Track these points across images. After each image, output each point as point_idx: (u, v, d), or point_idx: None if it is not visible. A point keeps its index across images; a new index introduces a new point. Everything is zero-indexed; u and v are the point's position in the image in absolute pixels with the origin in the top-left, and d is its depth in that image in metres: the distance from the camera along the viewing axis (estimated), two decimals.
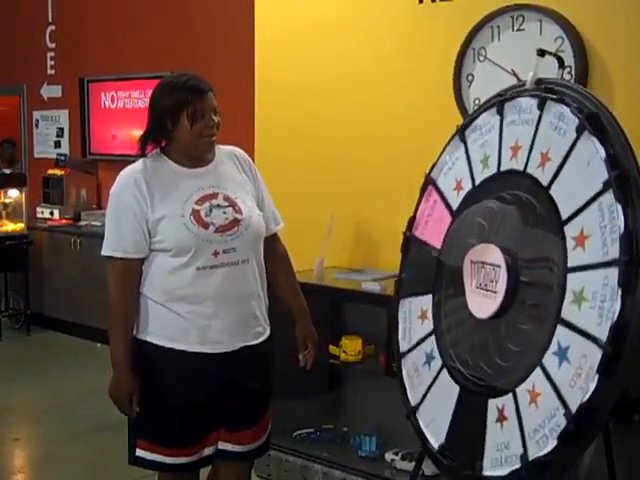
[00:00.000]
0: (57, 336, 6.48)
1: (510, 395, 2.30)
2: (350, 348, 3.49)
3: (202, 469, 2.60)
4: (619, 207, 2.08)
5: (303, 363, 2.71)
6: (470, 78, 3.44)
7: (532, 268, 2.32)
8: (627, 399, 2.39)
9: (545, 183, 2.31)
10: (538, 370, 2.22)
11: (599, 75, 3.06)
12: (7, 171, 6.79)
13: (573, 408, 2.08)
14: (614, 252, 2.07)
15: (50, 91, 7.17)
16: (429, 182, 2.80)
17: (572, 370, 2.12)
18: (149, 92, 2.52)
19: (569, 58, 3.04)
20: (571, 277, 2.17)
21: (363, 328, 3.57)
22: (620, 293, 2.03)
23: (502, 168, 2.50)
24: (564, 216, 2.23)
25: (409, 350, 2.77)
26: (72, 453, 4.16)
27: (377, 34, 3.76)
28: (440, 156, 2.79)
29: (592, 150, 2.19)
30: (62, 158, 6.86)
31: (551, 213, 2.27)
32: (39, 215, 6.86)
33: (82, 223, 6.56)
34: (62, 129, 7.11)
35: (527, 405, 2.24)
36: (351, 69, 3.85)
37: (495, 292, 2.38)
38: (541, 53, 2.56)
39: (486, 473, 2.33)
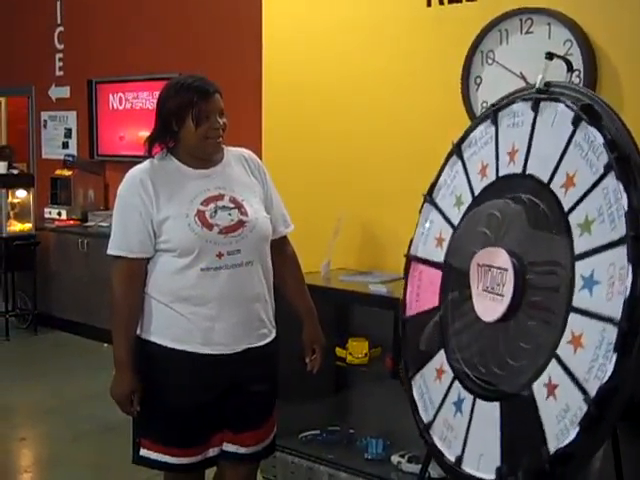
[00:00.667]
0: (64, 336, 6.49)
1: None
2: (356, 350, 3.49)
3: (207, 470, 2.60)
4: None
5: (310, 367, 2.70)
6: (478, 81, 3.43)
7: (539, 269, 2.32)
8: (634, 403, 2.38)
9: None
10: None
11: (608, 78, 3.05)
12: (15, 171, 6.80)
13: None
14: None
15: (58, 92, 7.19)
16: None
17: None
18: (157, 93, 2.54)
19: (578, 61, 3.03)
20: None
21: (369, 330, 3.56)
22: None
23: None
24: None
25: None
26: (77, 453, 4.17)
27: (385, 37, 3.75)
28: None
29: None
30: (70, 159, 6.88)
31: (554, 207, 2.29)
32: (47, 215, 6.88)
33: (89, 224, 6.57)
34: (70, 130, 7.12)
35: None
36: (359, 71, 3.85)
37: (502, 295, 2.38)
38: (550, 56, 2.56)
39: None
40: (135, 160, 2.57)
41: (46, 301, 6.64)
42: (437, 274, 2.72)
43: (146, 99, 6.30)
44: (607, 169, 2.15)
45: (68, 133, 7.15)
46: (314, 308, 2.70)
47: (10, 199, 6.66)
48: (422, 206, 2.85)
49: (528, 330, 2.31)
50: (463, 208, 2.67)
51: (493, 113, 2.62)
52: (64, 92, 7.13)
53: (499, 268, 2.40)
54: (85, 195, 6.79)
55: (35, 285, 6.56)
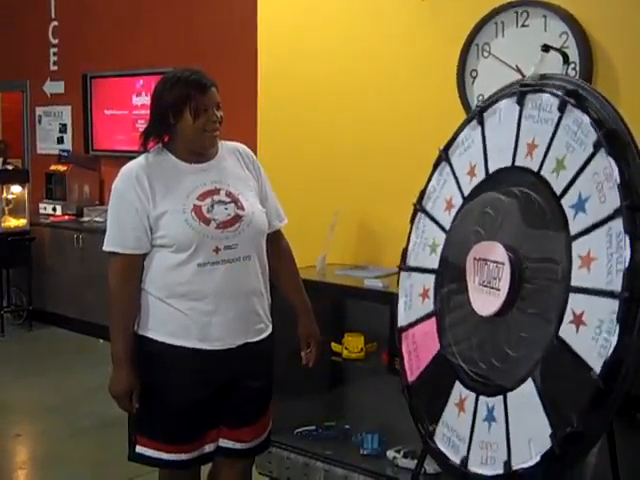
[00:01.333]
0: (59, 332, 6.47)
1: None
2: (352, 345, 3.48)
3: (203, 466, 2.60)
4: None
5: (305, 362, 2.70)
6: (474, 74, 3.42)
7: (535, 261, 2.31)
8: (630, 398, 2.37)
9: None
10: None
11: (604, 71, 3.04)
12: (10, 167, 6.78)
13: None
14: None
15: (53, 87, 7.17)
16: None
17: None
18: (152, 88, 2.51)
19: (574, 54, 3.02)
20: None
21: (365, 325, 3.55)
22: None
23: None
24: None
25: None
26: (74, 450, 4.15)
27: (381, 29, 3.74)
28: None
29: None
30: (65, 154, 6.86)
31: (546, 194, 2.29)
32: (42, 211, 6.86)
33: (85, 219, 6.56)
34: (65, 125, 7.10)
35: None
36: (355, 65, 3.83)
37: (498, 289, 2.37)
38: (546, 49, 2.55)
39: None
40: (130, 155, 2.55)
41: (41, 297, 6.62)
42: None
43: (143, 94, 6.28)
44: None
45: (63, 128, 7.13)
46: (309, 302, 2.70)
47: (5, 195, 6.63)
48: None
49: (526, 320, 2.30)
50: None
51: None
52: (59, 87, 7.11)
53: (495, 262, 2.39)
54: (80, 190, 6.77)
55: (30, 281, 6.54)
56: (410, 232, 2.85)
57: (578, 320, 2.14)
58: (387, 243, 3.64)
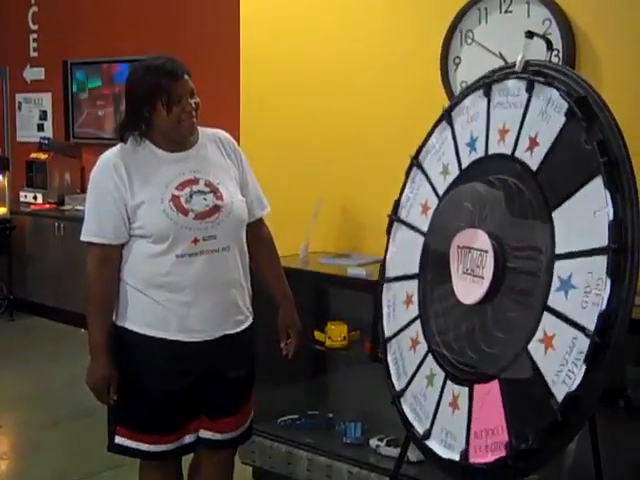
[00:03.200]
0: (40, 322, 6.44)
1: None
2: (335, 334, 3.47)
3: (184, 457, 2.58)
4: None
5: (285, 351, 2.69)
6: (457, 61, 3.39)
7: (519, 254, 2.30)
8: (612, 385, 2.38)
9: (534, 168, 2.29)
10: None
11: (587, 57, 3.03)
12: None
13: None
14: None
15: (33, 74, 7.09)
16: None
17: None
18: None
19: (557, 40, 3.01)
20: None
21: (348, 314, 3.54)
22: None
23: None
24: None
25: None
26: (55, 439, 4.14)
27: (363, 17, 3.71)
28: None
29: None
30: (45, 142, 6.79)
31: (539, 198, 2.25)
32: (22, 199, 6.81)
33: (66, 207, 6.51)
34: (45, 112, 7.03)
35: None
36: (337, 52, 3.80)
37: (482, 277, 2.36)
38: (529, 35, 2.53)
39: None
40: (112, 142, 2.51)
41: (22, 286, 6.57)
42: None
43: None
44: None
45: (43, 115, 7.05)
46: (290, 292, 2.68)
47: None
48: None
49: (504, 319, 2.29)
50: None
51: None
52: (39, 73, 7.03)
53: (479, 250, 2.38)
54: (61, 178, 6.72)
55: (10, 270, 6.49)
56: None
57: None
58: (370, 231, 3.63)
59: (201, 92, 2.43)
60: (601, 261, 2.03)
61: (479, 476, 2.31)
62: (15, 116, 7.30)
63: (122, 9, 6.23)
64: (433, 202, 2.66)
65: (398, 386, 2.68)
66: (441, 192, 2.64)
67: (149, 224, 2.33)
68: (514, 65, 2.49)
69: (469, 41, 3.35)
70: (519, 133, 2.35)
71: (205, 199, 2.37)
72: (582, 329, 2.04)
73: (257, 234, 2.59)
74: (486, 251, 2.35)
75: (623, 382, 2.76)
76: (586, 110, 2.16)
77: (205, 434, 2.50)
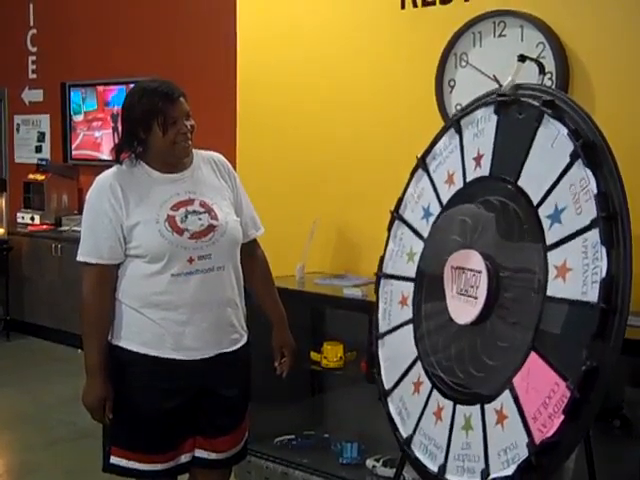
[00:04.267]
0: (37, 342, 6.42)
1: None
2: (331, 354, 3.48)
3: (180, 476, 2.57)
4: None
5: (279, 371, 2.69)
6: (452, 83, 3.43)
7: (512, 270, 2.32)
8: (608, 405, 2.38)
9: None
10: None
11: (580, 81, 3.06)
12: None
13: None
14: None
15: (31, 95, 7.13)
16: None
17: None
18: None
19: (550, 64, 3.05)
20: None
21: (344, 334, 3.55)
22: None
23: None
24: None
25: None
26: (51, 460, 4.12)
27: (359, 39, 3.75)
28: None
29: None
30: (43, 163, 6.81)
31: (523, 204, 2.30)
32: (20, 220, 6.81)
33: (63, 228, 6.52)
34: (43, 134, 7.06)
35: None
36: (333, 74, 3.84)
37: (476, 298, 2.37)
38: (522, 59, 2.56)
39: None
40: (109, 164, 2.54)
41: (19, 307, 6.57)
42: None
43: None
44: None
45: (41, 137, 7.08)
46: (284, 311, 2.69)
47: None
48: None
49: (494, 345, 2.31)
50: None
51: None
52: (37, 95, 7.07)
53: (472, 270, 2.40)
54: (59, 199, 6.73)
55: (7, 291, 6.48)
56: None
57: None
58: (366, 252, 3.64)
59: (198, 116, 2.47)
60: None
61: None
62: (13, 137, 7.32)
63: (120, 32, 6.27)
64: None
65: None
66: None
67: (145, 244, 2.35)
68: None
69: (463, 64, 3.39)
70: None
71: (200, 219, 2.39)
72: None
73: (251, 255, 2.61)
74: (480, 271, 2.37)
75: (620, 402, 2.77)
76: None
77: (201, 453, 2.50)
